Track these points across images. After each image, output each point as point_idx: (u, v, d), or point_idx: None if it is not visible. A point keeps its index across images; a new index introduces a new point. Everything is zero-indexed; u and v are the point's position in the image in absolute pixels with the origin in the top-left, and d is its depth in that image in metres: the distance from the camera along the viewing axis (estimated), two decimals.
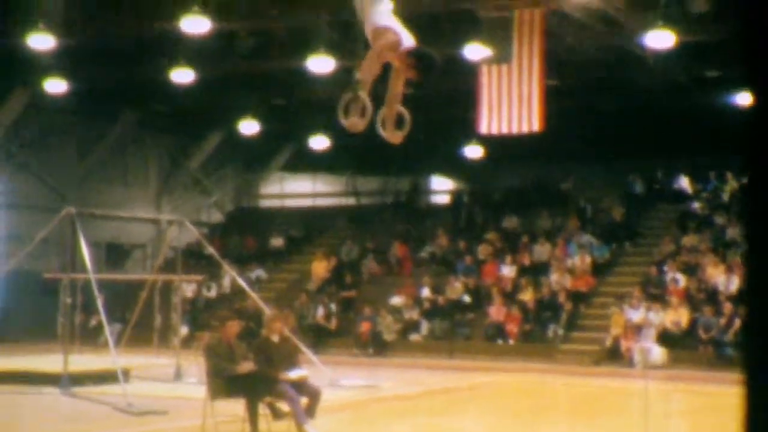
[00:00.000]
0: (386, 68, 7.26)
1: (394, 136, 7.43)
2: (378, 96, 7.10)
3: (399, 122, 7.45)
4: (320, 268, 29.28)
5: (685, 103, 27.20)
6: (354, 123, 6.99)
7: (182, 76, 23.89)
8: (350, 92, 6.94)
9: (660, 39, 19.81)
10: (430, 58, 7.22)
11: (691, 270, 24.99)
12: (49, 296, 22.23)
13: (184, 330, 23.62)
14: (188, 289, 28.05)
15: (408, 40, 7.14)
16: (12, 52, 22.98)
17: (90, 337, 23.95)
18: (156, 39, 23.21)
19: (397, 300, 26.82)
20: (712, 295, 23.70)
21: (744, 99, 22.61)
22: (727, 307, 22.72)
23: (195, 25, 20.17)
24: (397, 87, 7.34)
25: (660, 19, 19.31)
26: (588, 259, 26.40)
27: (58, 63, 24.01)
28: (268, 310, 16.92)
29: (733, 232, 25.89)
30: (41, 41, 21.51)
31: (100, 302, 18.24)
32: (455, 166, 36.11)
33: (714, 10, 19.92)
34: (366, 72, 7.00)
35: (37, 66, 24.28)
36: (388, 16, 7.23)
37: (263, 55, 24.40)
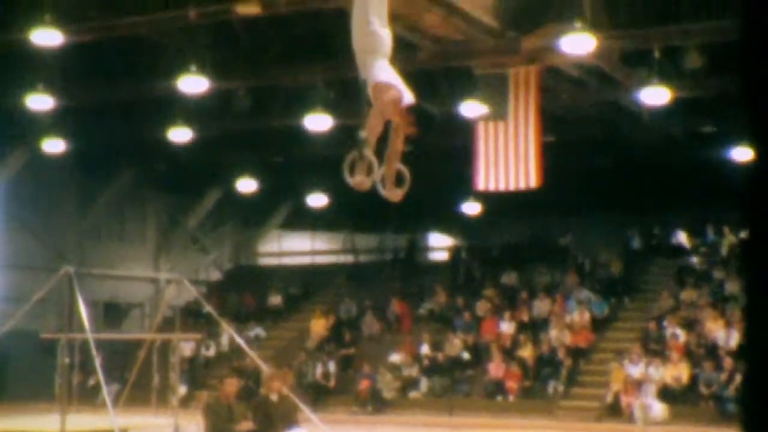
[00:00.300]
0: (385, 126, 7.29)
1: (393, 194, 7.45)
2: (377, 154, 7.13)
3: (398, 180, 7.47)
4: (319, 325, 29.19)
5: (681, 158, 27.29)
6: (360, 182, 6.99)
7: (180, 134, 24.01)
8: (355, 151, 6.96)
9: (655, 95, 19.93)
10: (430, 114, 7.26)
11: (690, 325, 24.93)
12: (47, 356, 22.13)
13: (182, 389, 23.47)
14: (186, 348, 27.93)
15: (408, 96, 7.18)
16: (11, 112, 23.09)
17: (88, 397, 23.79)
18: (154, 98, 23.36)
19: (396, 357, 26.72)
20: (713, 350, 23.63)
21: (740, 154, 22.70)
22: (728, 362, 22.64)
23: (193, 84, 20.29)
24: (396, 144, 7.36)
25: (654, 75, 19.44)
26: (587, 315, 26.33)
27: (56, 123, 24.13)
28: (266, 369, 16.85)
29: (732, 287, 25.85)
30: (40, 102, 21.64)
31: (98, 362, 18.14)
32: (453, 223, 36.15)
33: (707, 65, 20.06)
34: (370, 130, 7.03)
35: (35, 126, 24.39)
36: (390, 72, 7.28)
37: (261, 113, 24.53)
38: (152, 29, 19.35)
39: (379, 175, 7.26)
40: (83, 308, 17.56)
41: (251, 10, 16.62)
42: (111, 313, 31.94)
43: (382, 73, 7.23)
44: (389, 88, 7.13)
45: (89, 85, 22.69)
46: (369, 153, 6.94)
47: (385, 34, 7.42)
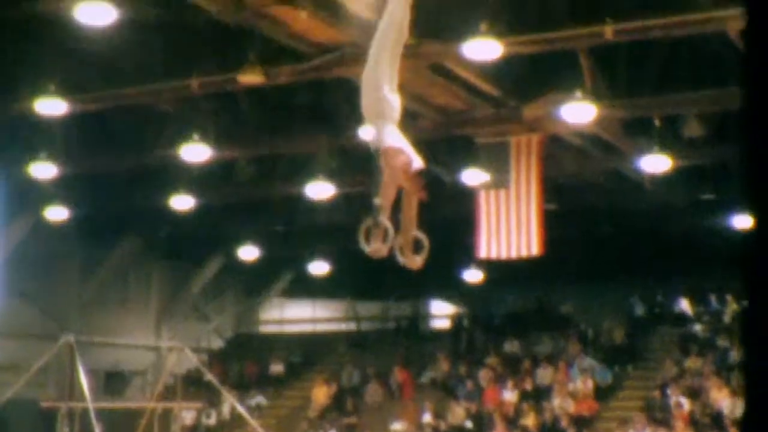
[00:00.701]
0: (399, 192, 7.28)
1: (412, 262, 7.39)
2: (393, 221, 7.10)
3: (416, 246, 7.41)
4: (321, 394, 29.02)
5: (683, 226, 27.30)
6: (377, 249, 6.95)
7: (183, 202, 24.07)
8: (370, 218, 6.94)
9: (656, 163, 20.00)
10: (439, 179, 7.25)
11: (694, 393, 24.76)
12: (47, 425, 21.98)
13: None
14: (187, 417, 27.75)
15: (418, 160, 7.19)
16: (15, 180, 23.17)
17: None
18: (157, 166, 23.46)
19: (398, 426, 26.52)
20: (718, 419, 23.43)
21: (741, 221, 22.71)
22: (733, 431, 22.45)
23: (195, 152, 20.40)
24: (410, 210, 7.33)
25: (655, 143, 19.53)
26: (590, 383, 26.17)
27: (60, 191, 24.21)
28: None
29: (737, 355, 25.72)
30: (44, 170, 21.75)
31: (98, 431, 18.04)
32: (455, 291, 36.06)
33: (708, 134, 20.16)
34: (384, 196, 7.01)
35: (39, 194, 24.47)
36: (399, 137, 7.30)
37: (263, 181, 24.62)
38: (155, 98, 19.49)
39: (397, 243, 7.20)
40: (84, 377, 17.50)
41: (254, 79, 16.74)
42: (112, 381, 31.76)
43: (392, 138, 7.24)
44: (399, 153, 7.14)
45: (93, 154, 22.80)
46: (384, 220, 6.90)
47: (395, 100, 7.46)
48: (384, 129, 7.29)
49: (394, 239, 7.13)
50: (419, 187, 7.11)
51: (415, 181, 7.10)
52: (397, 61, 7.55)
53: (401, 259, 7.32)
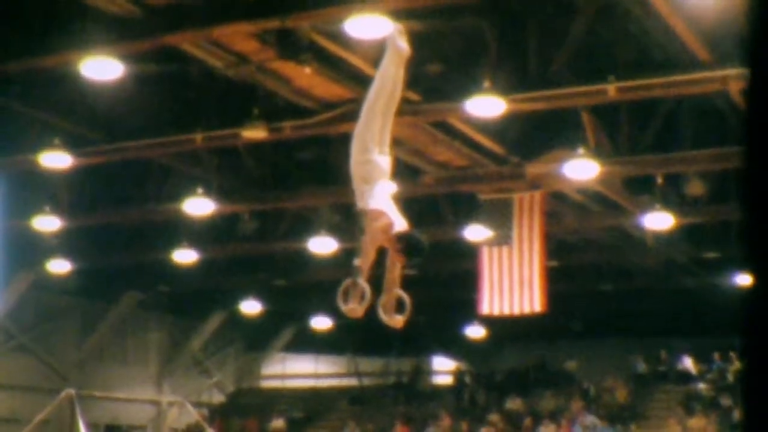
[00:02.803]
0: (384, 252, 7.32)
1: (394, 321, 7.45)
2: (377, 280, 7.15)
3: (399, 307, 7.48)
4: None
5: (686, 284, 27.26)
6: (352, 309, 7.05)
7: (184, 256, 24.07)
8: (349, 279, 7.01)
9: (658, 220, 20.01)
10: (418, 243, 7.27)
11: None
12: None
13: None
14: None
15: (400, 223, 7.21)
16: (17, 233, 23.19)
17: None
18: (160, 221, 23.49)
19: None
20: None
21: (744, 280, 22.65)
22: None
23: (198, 206, 20.43)
24: (393, 271, 7.39)
25: (658, 201, 19.55)
26: None
27: (62, 244, 24.22)
28: None
29: (740, 414, 25.54)
30: (47, 223, 21.78)
31: None
32: (457, 347, 35.95)
33: (710, 192, 20.19)
34: (364, 257, 7.07)
35: (41, 247, 24.48)
36: (384, 199, 7.32)
37: (266, 236, 24.63)
38: (159, 153, 19.54)
39: (380, 303, 7.29)
40: (84, 431, 17.40)
41: (257, 134, 16.80)
42: None
43: (376, 200, 7.27)
44: (380, 215, 7.18)
45: (96, 207, 22.82)
46: (361, 281, 6.98)
47: (383, 162, 7.47)
48: (370, 191, 7.31)
49: (380, 298, 7.23)
50: (397, 249, 7.15)
51: (393, 244, 7.14)
52: (390, 119, 7.57)
53: (383, 317, 7.38)
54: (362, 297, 6.99)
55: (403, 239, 7.12)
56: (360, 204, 7.34)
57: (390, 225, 7.10)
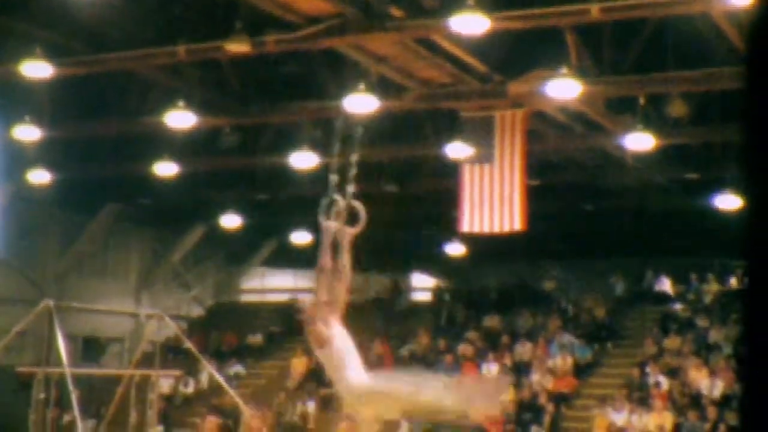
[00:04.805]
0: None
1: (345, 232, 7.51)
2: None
3: (353, 218, 7.48)
4: (300, 365, 29.02)
5: (665, 205, 27.38)
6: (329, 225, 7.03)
7: (165, 169, 23.98)
8: (327, 196, 7.02)
9: (640, 141, 20.01)
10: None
11: (673, 373, 24.86)
12: (24, 391, 21.94)
13: (159, 428, 23.29)
14: (165, 385, 27.73)
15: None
16: None
17: None
18: (141, 133, 23.37)
19: None
20: (696, 399, 23.54)
21: (723, 201, 22.76)
22: (711, 411, 22.55)
23: (180, 119, 20.30)
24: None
25: (639, 122, 19.55)
26: (570, 360, 26.24)
27: (42, 155, 24.06)
28: (246, 408, 16.75)
29: (716, 336, 25.84)
30: (27, 132, 21.62)
31: (74, 397, 18.01)
32: (437, 264, 36.11)
33: (692, 113, 20.21)
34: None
35: (21, 158, 24.33)
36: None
37: (247, 150, 24.56)
38: (141, 65, 19.39)
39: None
40: (62, 342, 17.46)
41: (240, 48, 16.66)
42: (90, 347, 31.71)
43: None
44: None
45: (77, 119, 22.69)
46: (339, 198, 6.98)
47: (356, 380, 7.53)
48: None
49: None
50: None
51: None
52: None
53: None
54: (340, 215, 6.98)
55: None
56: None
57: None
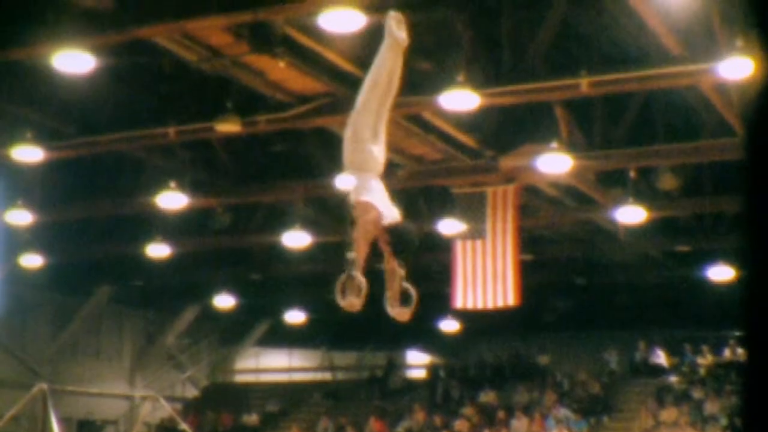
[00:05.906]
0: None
1: (400, 313, 7.39)
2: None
3: (405, 299, 7.41)
4: None
5: (658, 277, 27.41)
6: (351, 303, 6.94)
7: (158, 250, 23.97)
8: (344, 273, 6.91)
9: (631, 214, 20.09)
10: (407, 236, 7.21)
11: None
12: None
13: None
14: None
15: (392, 215, 7.14)
16: None
17: None
18: (133, 215, 23.38)
19: None
20: None
21: (716, 273, 22.80)
22: None
23: (172, 200, 20.35)
24: (390, 264, 7.31)
25: (630, 194, 19.64)
26: None
27: (34, 238, 24.06)
28: None
29: (712, 407, 25.73)
30: (19, 217, 21.63)
31: None
32: (431, 341, 35.99)
33: (682, 186, 20.31)
34: (357, 250, 6.99)
35: (13, 242, 24.31)
36: (377, 191, 7.24)
37: (239, 230, 24.59)
38: (132, 146, 19.47)
39: (386, 298, 7.21)
40: (56, 426, 17.33)
41: (231, 128, 16.76)
42: (85, 430, 31.46)
43: (367, 192, 7.20)
44: (371, 208, 7.10)
45: (68, 201, 22.72)
46: (357, 274, 6.89)
47: (379, 152, 7.41)
48: (362, 182, 7.24)
49: (385, 294, 7.17)
50: (386, 242, 7.08)
51: (383, 237, 7.08)
52: (386, 110, 7.46)
53: (390, 311, 7.33)
54: (359, 290, 6.91)
55: (392, 232, 7.06)
56: (352, 196, 7.26)
57: (379, 218, 7.04)
